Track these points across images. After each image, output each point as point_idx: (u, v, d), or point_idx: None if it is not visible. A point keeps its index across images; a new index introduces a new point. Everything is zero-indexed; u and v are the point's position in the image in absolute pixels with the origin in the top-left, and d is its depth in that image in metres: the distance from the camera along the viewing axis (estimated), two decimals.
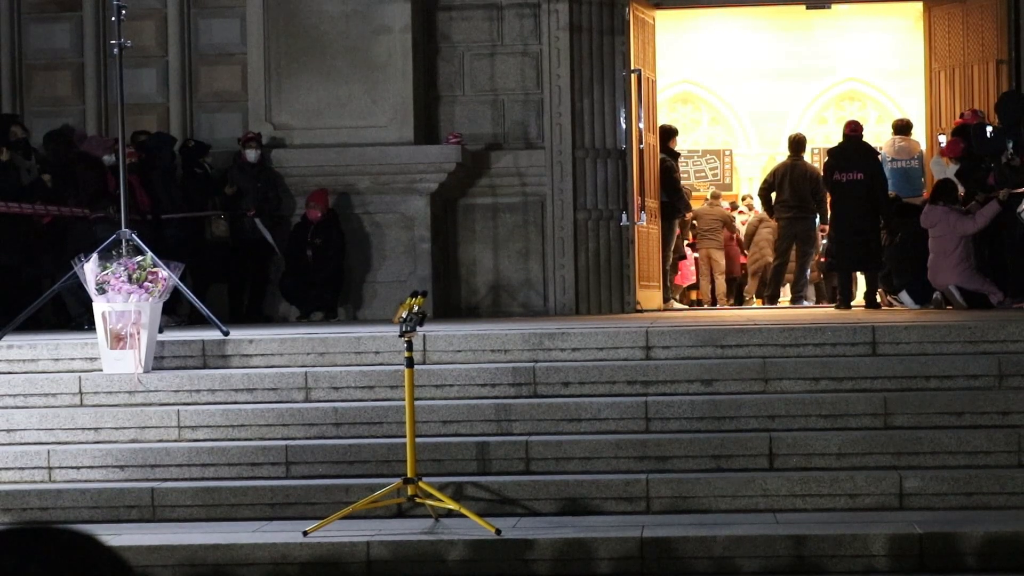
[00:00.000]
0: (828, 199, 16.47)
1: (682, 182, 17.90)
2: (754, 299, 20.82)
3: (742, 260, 21.83)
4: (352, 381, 9.88)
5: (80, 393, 9.91)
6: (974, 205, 14.32)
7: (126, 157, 11.57)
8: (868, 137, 16.76)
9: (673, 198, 16.61)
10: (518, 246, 15.24)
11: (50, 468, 9.31)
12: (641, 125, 15.35)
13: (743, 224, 22.14)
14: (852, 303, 15.43)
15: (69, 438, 9.58)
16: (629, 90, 15.19)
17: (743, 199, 23.75)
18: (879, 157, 15.55)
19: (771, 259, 18.95)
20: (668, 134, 17.03)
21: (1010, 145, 13.89)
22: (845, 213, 15.02)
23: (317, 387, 9.87)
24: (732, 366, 9.75)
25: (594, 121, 15.18)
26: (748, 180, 24.76)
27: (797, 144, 17.99)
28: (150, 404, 9.82)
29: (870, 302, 15.17)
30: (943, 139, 15.41)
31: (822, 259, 19.03)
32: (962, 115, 15.42)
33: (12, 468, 9.32)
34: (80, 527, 2.35)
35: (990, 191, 14.16)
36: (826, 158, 15.75)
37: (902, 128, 17.11)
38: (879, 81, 24.62)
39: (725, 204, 22.74)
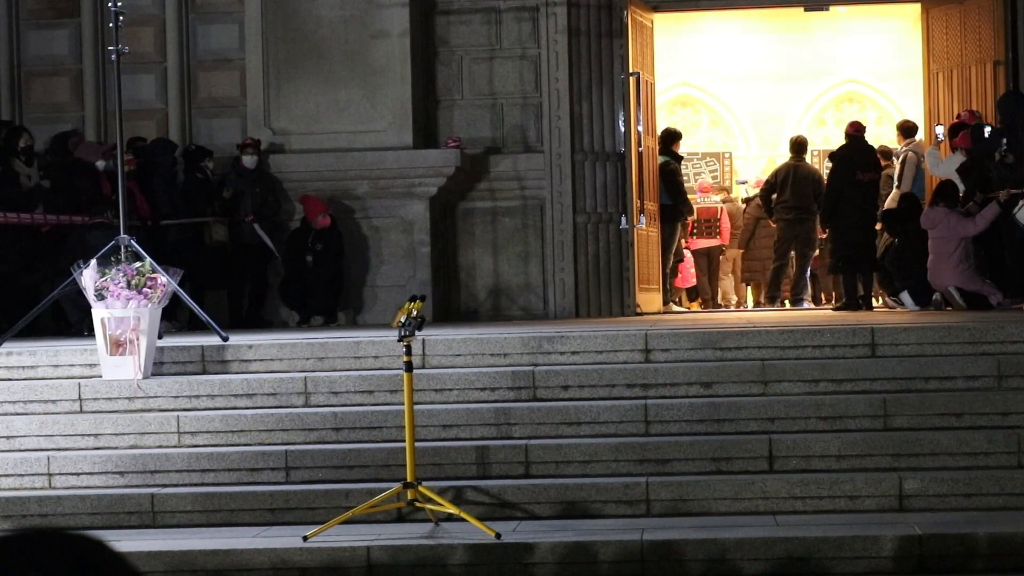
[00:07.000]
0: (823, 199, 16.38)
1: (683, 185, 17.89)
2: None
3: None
4: (352, 386, 9.87)
5: (80, 399, 9.90)
6: (972, 206, 14.31)
7: (126, 164, 11.56)
8: (868, 138, 16.71)
9: (676, 201, 16.63)
10: (517, 250, 15.23)
11: (50, 475, 9.31)
12: (640, 128, 15.35)
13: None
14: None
15: (69, 444, 9.58)
16: (628, 93, 15.19)
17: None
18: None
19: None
20: (672, 137, 17.09)
21: (1003, 142, 13.88)
22: (861, 212, 15.03)
23: (317, 392, 9.87)
24: (731, 368, 9.75)
25: (593, 124, 15.18)
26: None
27: (799, 146, 17.99)
28: (150, 410, 9.82)
29: (868, 302, 15.19)
30: (940, 130, 15.40)
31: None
32: (959, 116, 15.39)
33: (12, 475, 9.32)
34: (85, 531, 2.34)
35: (990, 191, 14.15)
36: (840, 156, 15.55)
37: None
38: (878, 83, 24.57)
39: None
